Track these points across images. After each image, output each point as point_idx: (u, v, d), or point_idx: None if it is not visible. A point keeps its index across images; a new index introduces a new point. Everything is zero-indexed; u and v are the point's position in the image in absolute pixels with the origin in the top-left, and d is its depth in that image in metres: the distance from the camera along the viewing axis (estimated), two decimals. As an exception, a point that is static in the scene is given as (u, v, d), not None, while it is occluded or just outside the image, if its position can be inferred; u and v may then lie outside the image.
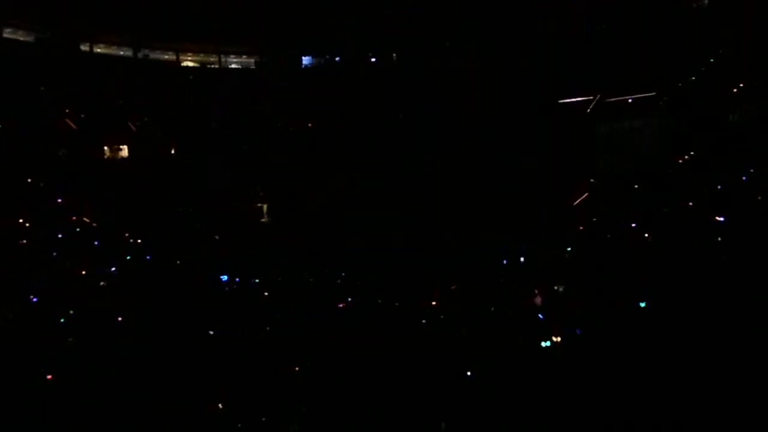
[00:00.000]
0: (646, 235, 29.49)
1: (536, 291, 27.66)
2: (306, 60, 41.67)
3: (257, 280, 30.40)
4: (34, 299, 25.59)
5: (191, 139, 37.52)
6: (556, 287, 27.92)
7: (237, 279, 30.36)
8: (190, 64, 41.54)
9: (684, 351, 19.66)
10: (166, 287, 28.16)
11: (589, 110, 36.42)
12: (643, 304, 24.12)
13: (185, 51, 41.27)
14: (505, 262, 31.14)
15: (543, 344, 23.71)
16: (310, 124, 39.08)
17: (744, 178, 29.53)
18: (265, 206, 37.53)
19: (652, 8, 36.74)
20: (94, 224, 32.41)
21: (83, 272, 29.00)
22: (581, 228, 32.69)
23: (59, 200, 32.61)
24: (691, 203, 29.92)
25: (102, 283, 28.55)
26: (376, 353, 22.91)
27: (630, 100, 36.18)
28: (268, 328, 26.00)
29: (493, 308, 27.31)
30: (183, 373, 21.33)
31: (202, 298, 27.63)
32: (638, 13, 36.67)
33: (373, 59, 41.04)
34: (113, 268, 29.55)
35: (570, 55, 35.99)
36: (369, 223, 32.53)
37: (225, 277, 30.35)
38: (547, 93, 35.90)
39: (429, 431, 19.29)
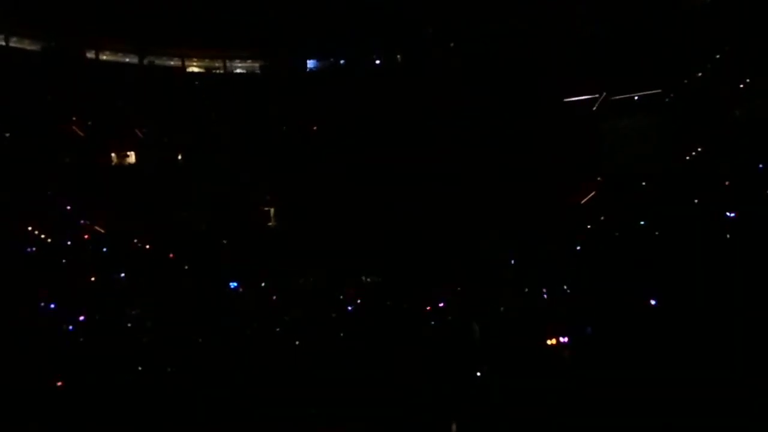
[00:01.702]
0: (654, 232, 29.42)
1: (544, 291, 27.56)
2: (310, 63, 41.74)
3: (264, 284, 30.50)
4: (44, 305, 25.68)
5: (197, 144, 37.62)
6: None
7: (245, 283, 30.46)
8: (196, 69, 41.64)
9: (692, 348, 19.59)
10: (175, 291, 28.26)
11: (594, 108, 36.40)
12: (653, 302, 24.05)
13: (190, 57, 41.37)
14: (512, 261, 31.14)
15: (549, 342, 23.66)
16: (315, 127, 39.13)
17: (750, 173, 29.44)
18: (272, 210, 37.61)
19: (656, 6, 36.66)
20: (103, 230, 32.54)
21: (92, 278, 29.11)
22: (589, 226, 32.65)
23: (68, 207, 32.75)
24: (697, 199, 29.83)
25: (111, 288, 28.64)
26: (385, 354, 22.92)
27: (636, 98, 36.14)
28: (277, 329, 26.07)
29: (501, 308, 27.29)
30: (192, 374, 21.40)
31: (210, 300, 27.70)
32: (643, 11, 36.59)
33: (377, 61, 41.08)
34: (122, 274, 29.67)
35: (575, 53, 35.94)
36: (375, 224, 32.56)
37: (234, 284, 30.36)
38: (553, 92, 35.88)
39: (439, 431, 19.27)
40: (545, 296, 27.21)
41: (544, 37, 37.42)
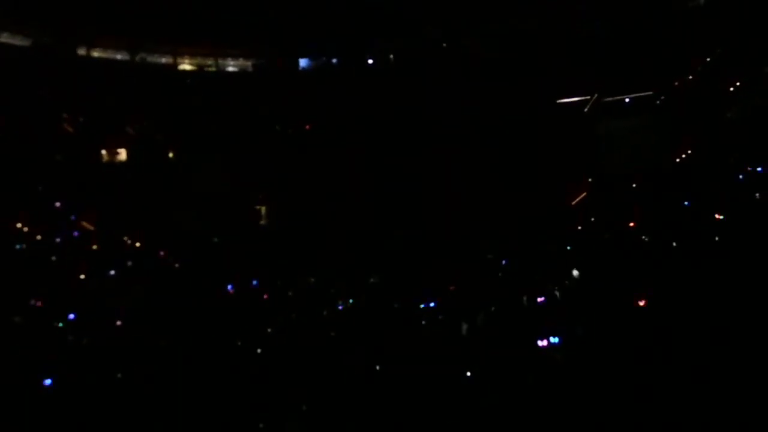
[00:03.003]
0: (645, 234, 29.50)
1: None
2: (303, 62, 41.71)
3: (256, 282, 30.43)
4: (35, 303, 25.53)
5: (189, 142, 37.51)
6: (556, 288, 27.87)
7: (238, 282, 30.36)
8: (188, 67, 41.54)
9: (685, 350, 19.64)
10: (166, 290, 28.15)
11: (587, 110, 36.51)
12: (645, 303, 24.08)
13: (182, 54, 41.28)
14: (504, 261, 31.18)
15: (540, 343, 23.65)
16: (307, 126, 39.12)
17: (742, 175, 29.58)
18: (263, 209, 37.55)
19: (649, 7, 36.81)
20: (93, 228, 32.38)
21: (82, 276, 28.97)
22: (580, 227, 32.74)
23: (57, 204, 32.58)
24: (689, 202, 29.95)
25: (101, 287, 28.49)
26: (376, 354, 22.92)
27: (628, 100, 36.28)
28: (269, 330, 26.00)
29: (493, 308, 27.29)
30: (184, 374, 21.33)
31: (202, 300, 27.61)
32: (635, 11, 36.73)
33: (370, 60, 41.09)
34: (112, 272, 29.54)
35: (568, 54, 36.04)
36: (368, 224, 32.58)
37: (230, 286, 30.21)
38: (545, 93, 35.97)
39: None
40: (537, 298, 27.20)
41: (537, 38, 37.53)
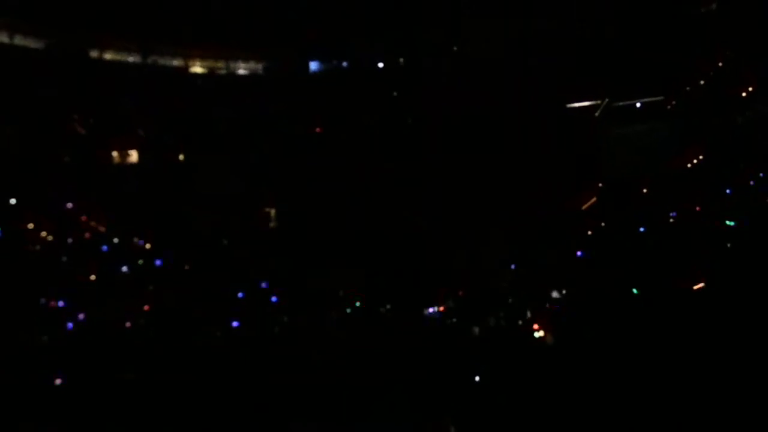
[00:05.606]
0: (655, 239, 29.41)
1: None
2: (313, 65, 41.78)
3: (266, 284, 30.51)
4: (44, 302, 25.69)
5: (200, 144, 37.65)
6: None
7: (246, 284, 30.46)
8: (199, 70, 41.69)
9: (690, 354, 19.56)
10: (175, 291, 28.27)
11: (597, 114, 36.43)
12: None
13: (193, 57, 41.44)
14: (513, 266, 31.15)
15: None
16: (318, 129, 39.18)
17: (753, 181, 29.45)
18: (273, 211, 37.62)
19: (659, 11, 36.73)
20: (103, 229, 32.55)
21: (92, 277, 29.12)
22: (589, 232, 32.67)
23: (69, 205, 32.77)
24: (700, 207, 29.84)
25: (111, 288, 28.64)
26: (384, 355, 22.95)
27: (638, 104, 36.18)
28: (276, 329, 26.09)
29: (501, 313, 27.31)
30: (192, 375, 21.42)
31: (210, 300, 27.72)
32: (646, 16, 36.66)
33: (380, 64, 41.13)
34: (124, 268, 29.71)
35: (577, 58, 35.99)
36: (376, 227, 32.60)
37: (241, 294, 30.24)
38: (555, 97, 35.91)
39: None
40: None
41: (547, 41, 37.46)
